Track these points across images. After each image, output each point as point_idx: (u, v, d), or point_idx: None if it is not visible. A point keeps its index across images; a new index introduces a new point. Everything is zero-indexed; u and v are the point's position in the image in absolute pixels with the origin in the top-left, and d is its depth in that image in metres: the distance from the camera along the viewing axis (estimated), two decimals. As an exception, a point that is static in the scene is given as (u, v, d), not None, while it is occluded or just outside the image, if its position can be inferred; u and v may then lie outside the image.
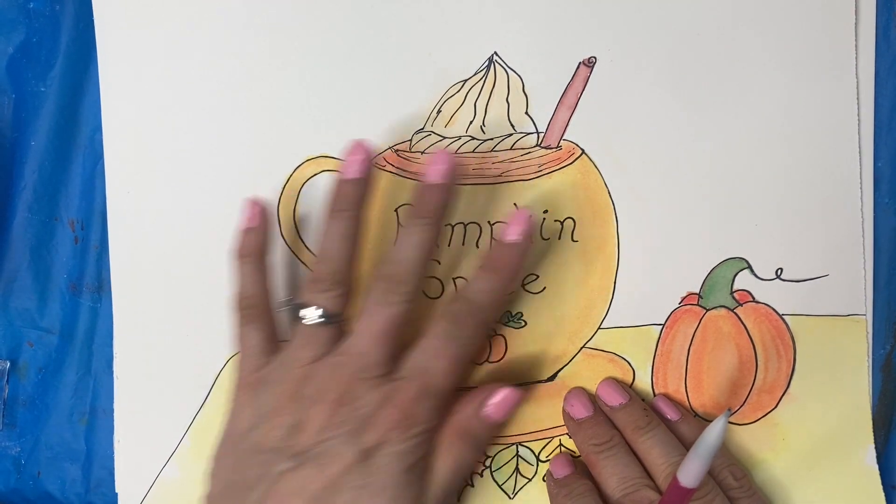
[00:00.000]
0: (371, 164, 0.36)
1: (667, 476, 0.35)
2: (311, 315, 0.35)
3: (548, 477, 0.39)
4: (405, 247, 0.35)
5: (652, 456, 0.36)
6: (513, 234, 0.35)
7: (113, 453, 0.41)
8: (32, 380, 0.43)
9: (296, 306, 0.36)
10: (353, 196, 0.36)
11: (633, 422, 0.37)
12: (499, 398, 0.36)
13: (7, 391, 0.43)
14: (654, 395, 0.39)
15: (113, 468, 0.41)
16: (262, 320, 0.37)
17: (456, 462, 0.34)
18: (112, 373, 0.41)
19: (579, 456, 0.39)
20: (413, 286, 0.35)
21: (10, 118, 0.42)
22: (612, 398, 0.38)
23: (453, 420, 0.35)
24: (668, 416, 0.38)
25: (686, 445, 0.37)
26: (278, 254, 0.40)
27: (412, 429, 0.33)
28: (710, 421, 0.39)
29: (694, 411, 0.39)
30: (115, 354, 0.41)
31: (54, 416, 0.42)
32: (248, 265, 0.38)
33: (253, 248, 0.38)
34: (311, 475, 0.32)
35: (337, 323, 0.35)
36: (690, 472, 0.30)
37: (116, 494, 0.41)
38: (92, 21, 0.40)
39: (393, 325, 0.34)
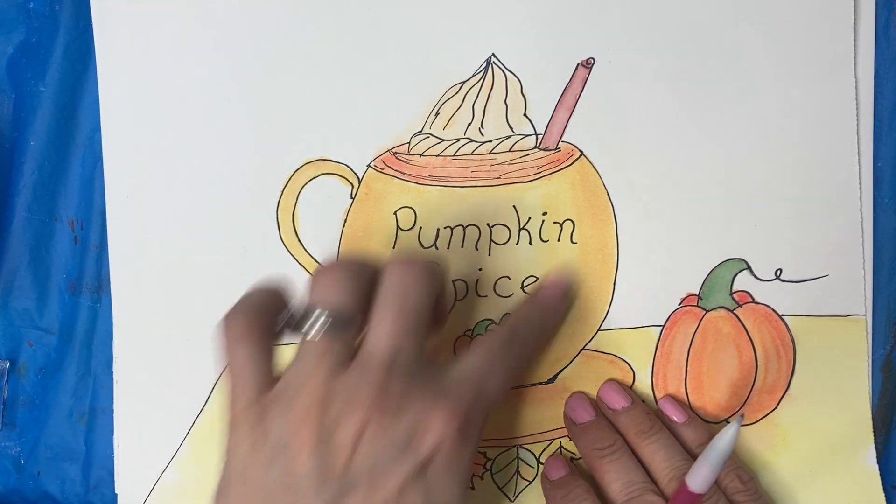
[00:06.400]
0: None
1: (670, 481, 0.35)
2: (319, 323, 0.29)
3: (543, 479, 0.39)
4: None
5: (656, 461, 0.36)
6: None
7: (112, 453, 0.41)
8: (32, 380, 0.43)
9: (297, 317, 0.30)
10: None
11: (636, 426, 0.37)
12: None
13: (7, 391, 0.43)
14: (655, 397, 0.39)
15: (112, 468, 0.41)
16: (260, 340, 0.30)
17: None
18: (111, 373, 0.41)
19: (579, 458, 0.39)
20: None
21: (9, 118, 0.42)
22: (615, 401, 0.38)
23: None
24: (675, 419, 0.38)
25: (691, 448, 0.37)
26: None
27: (471, 438, 0.29)
28: (713, 423, 0.39)
29: (694, 412, 0.39)
30: (114, 358, 0.41)
31: (54, 416, 0.42)
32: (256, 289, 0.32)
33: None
34: (361, 501, 0.27)
35: (349, 330, 0.29)
36: (700, 478, 0.30)
37: (116, 495, 0.41)
38: (91, 21, 0.40)
39: (420, 312, 0.29)
